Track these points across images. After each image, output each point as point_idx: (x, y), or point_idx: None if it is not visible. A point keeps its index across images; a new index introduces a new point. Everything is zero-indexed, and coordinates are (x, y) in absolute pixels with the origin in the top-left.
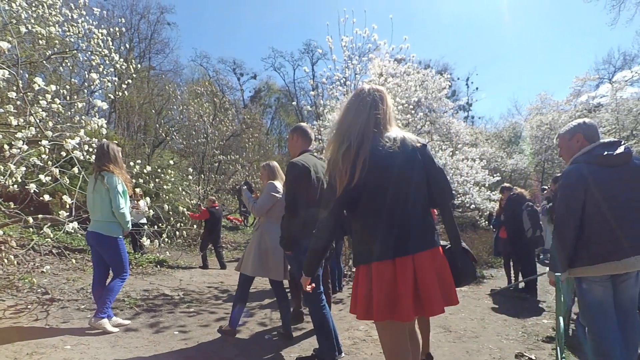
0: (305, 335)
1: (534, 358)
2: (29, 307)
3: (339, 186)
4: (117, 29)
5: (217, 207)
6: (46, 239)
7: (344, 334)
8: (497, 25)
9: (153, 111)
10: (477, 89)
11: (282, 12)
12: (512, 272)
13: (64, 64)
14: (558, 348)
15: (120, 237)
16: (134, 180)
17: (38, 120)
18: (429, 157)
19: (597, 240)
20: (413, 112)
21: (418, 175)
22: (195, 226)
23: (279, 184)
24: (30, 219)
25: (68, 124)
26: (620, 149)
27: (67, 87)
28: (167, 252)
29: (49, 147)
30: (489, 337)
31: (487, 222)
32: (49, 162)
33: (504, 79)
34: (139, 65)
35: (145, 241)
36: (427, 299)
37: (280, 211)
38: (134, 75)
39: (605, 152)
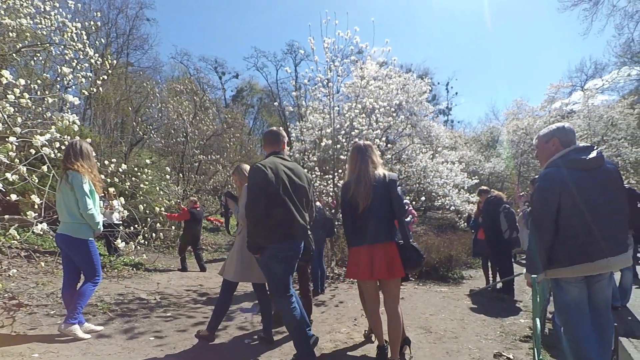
0: (287, 339)
1: (512, 357)
2: None
3: (360, 203)
4: (92, 22)
5: (198, 209)
6: (12, 241)
7: (325, 336)
8: (477, 32)
9: (130, 108)
10: (456, 93)
11: (265, 11)
12: (490, 272)
13: (35, 58)
14: (535, 349)
15: (91, 239)
16: (108, 180)
17: (6, 116)
18: (394, 187)
19: (572, 242)
20: (394, 114)
21: (386, 198)
22: (173, 227)
23: None
24: None
25: (39, 120)
26: (593, 154)
27: (39, 81)
28: (144, 254)
29: (16, 144)
30: (468, 338)
31: (466, 224)
32: (17, 160)
33: (483, 85)
34: (114, 62)
35: (120, 243)
36: (376, 270)
37: None
38: (110, 71)
39: (579, 157)
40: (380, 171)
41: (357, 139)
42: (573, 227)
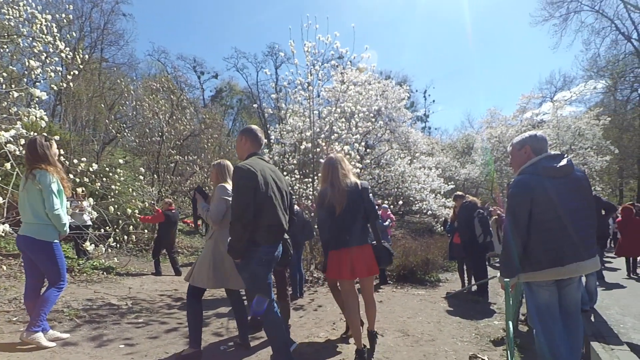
0: (264, 345)
1: (486, 359)
2: None
3: (337, 206)
4: (64, 15)
5: (173, 211)
6: None
7: (303, 341)
8: (454, 43)
9: (104, 105)
10: (434, 101)
11: (246, 12)
12: (465, 275)
13: (1, 50)
14: (508, 351)
15: (56, 241)
16: (77, 179)
17: None
18: (367, 194)
19: (543, 247)
20: (374, 120)
21: (360, 204)
22: (147, 230)
23: (229, 187)
24: None
25: (4, 116)
26: (563, 162)
27: (5, 74)
28: (115, 257)
29: None
30: (444, 340)
31: (442, 228)
32: None
33: (459, 93)
34: (87, 56)
35: (89, 246)
36: (357, 270)
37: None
38: (82, 66)
39: (549, 165)
40: (353, 179)
41: (336, 143)
42: (544, 233)
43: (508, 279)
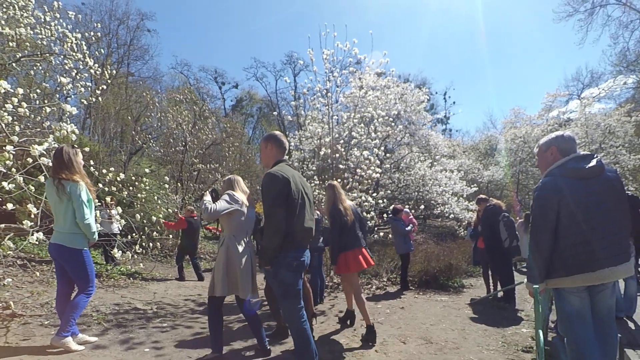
0: (287, 351)
1: None
2: None
3: (349, 219)
4: (93, 33)
5: (195, 217)
6: (8, 252)
7: (324, 347)
8: (473, 43)
9: (130, 118)
10: (454, 103)
11: (265, 22)
12: (491, 281)
13: (35, 68)
14: None
15: (86, 248)
16: (106, 189)
17: (4, 125)
18: (359, 213)
19: (571, 252)
20: (393, 124)
21: (359, 219)
22: (171, 236)
23: (239, 195)
24: None
25: (37, 130)
26: (593, 162)
27: (38, 91)
28: (141, 263)
29: (13, 152)
30: (469, 348)
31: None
32: (13, 169)
33: (480, 94)
34: (114, 71)
35: (117, 253)
36: (367, 262)
37: (243, 225)
38: (110, 81)
39: (577, 166)
40: (350, 202)
41: (355, 148)
42: (573, 237)
43: (537, 285)
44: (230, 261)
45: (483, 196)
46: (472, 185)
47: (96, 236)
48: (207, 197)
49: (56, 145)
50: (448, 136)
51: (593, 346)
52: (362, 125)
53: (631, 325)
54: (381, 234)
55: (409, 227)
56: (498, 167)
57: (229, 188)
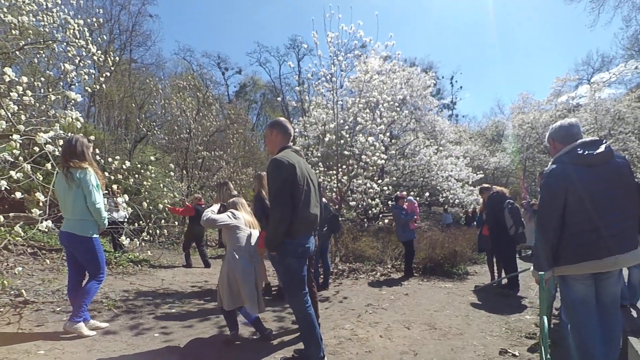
0: (290, 336)
1: (517, 354)
2: (0, 310)
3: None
4: (95, 19)
5: (202, 205)
6: (17, 239)
7: (329, 332)
8: (481, 26)
9: (134, 105)
10: (461, 87)
11: (268, 6)
12: (495, 268)
13: (39, 55)
14: (542, 347)
15: (96, 236)
16: (112, 177)
17: (10, 114)
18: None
19: (578, 239)
20: (398, 109)
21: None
22: (177, 223)
23: (242, 214)
24: (1, 218)
25: (42, 118)
26: (601, 148)
27: (42, 79)
28: (149, 251)
29: (20, 141)
30: (473, 334)
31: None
32: (21, 158)
33: (488, 79)
34: (117, 58)
35: (125, 240)
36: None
37: (244, 241)
38: (113, 68)
39: (585, 152)
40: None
41: (360, 134)
42: (579, 224)
43: (542, 272)
44: (230, 275)
45: (486, 185)
46: (478, 172)
47: (106, 222)
48: (214, 208)
49: (62, 133)
50: (454, 122)
51: (596, 334)
52: (367, 110)
53: (635, 313)
54: (386, 220)
55: (408, 216)
56: (505, 153)
57: (233, 208)
